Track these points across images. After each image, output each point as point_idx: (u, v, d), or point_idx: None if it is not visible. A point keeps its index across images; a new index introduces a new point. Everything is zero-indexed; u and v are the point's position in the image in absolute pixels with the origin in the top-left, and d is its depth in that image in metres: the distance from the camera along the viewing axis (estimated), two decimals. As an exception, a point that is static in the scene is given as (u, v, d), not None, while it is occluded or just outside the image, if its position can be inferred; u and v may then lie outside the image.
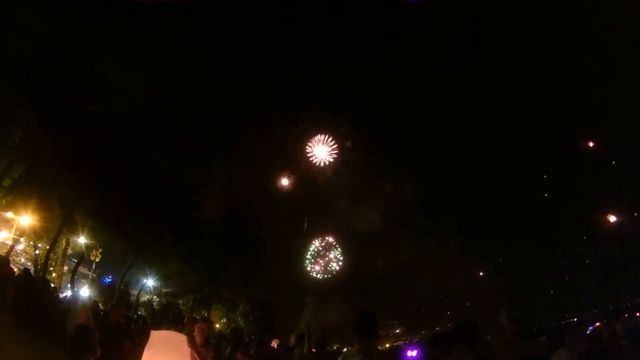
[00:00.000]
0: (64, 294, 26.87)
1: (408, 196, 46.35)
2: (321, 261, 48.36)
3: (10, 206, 25.63)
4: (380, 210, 45.17)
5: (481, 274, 50.43)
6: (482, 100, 47.24)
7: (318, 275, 47.68)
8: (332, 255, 48.48)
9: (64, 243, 30.86)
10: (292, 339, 10.63)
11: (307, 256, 48.02)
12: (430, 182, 47.63)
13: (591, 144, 44.60)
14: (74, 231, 29.35)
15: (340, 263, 48.01)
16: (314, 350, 9.54)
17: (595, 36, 40.79)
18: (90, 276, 36.21)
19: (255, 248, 40.43)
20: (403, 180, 46.75)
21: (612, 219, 37.31)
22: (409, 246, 45.70)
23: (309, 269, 47.97)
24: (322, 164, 46.63)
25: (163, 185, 30.48)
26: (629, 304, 44.59)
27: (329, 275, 47.55)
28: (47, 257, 28.74)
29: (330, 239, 48.63)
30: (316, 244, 48.40)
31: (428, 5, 42.82)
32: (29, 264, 30.10)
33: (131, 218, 28.83)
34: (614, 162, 45.43)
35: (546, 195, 51.67)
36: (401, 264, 46.23)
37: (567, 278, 50.64)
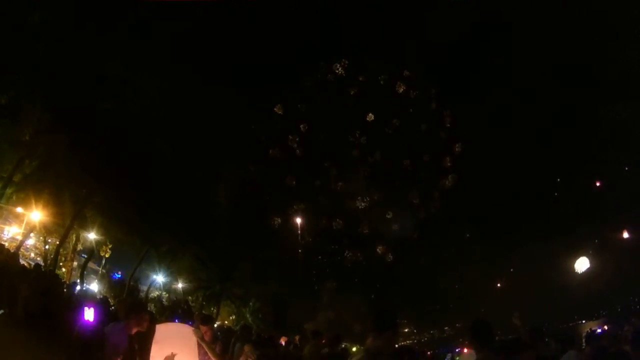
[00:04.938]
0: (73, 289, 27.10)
1: (431, 202, 46.24)
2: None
3: (21, 202, 25.78)
4: (405, 217, 45.21)
5: (498, 284, 50.39)
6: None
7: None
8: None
9: (74, 238, 31.03)
10: (310, 326, 10.63)
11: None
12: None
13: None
14: (84, 227, 29.49)
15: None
16: (323, 342, 9.54)
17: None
18: (100, 272, 36.47)
19: (269, 245, 40.15)
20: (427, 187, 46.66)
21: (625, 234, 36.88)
22: (428, 251, 45.72)
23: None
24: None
25: (176, 182, 30.47)
26: (639, 307, 44.11)
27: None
28: (57, 252, 28.92)
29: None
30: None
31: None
32: (38, 259, 30.33)
33: (143, 214, 28.87)
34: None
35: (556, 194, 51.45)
36: (419, 268, 46.13)
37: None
